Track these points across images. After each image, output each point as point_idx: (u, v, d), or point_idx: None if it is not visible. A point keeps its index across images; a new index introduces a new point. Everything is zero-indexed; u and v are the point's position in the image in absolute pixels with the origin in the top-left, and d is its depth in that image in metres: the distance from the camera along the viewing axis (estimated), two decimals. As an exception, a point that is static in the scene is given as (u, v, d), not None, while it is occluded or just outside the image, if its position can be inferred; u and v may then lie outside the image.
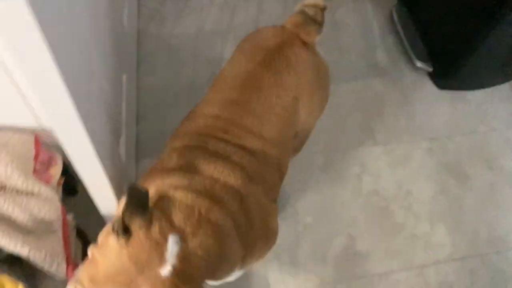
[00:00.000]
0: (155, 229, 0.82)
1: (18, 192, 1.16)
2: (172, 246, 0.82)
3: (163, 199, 0.90)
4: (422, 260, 1.64)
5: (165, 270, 0.80)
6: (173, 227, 0.85)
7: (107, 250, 0.83)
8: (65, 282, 1.09)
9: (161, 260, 0.80)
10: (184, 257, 0.83)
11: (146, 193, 0.83)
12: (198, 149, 1.05)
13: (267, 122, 1.14)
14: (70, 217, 1.24)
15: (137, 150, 1.77)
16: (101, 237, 0.90)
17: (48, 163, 1.26)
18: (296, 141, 1.47)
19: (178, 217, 0.87)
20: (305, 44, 1.24)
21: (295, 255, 1.62)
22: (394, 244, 1.67)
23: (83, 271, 0.85)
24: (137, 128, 1.83)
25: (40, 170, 1.22)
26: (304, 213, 1.70)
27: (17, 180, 1.17)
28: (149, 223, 0.82)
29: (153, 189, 0.95)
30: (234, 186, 1.01)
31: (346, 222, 1.70)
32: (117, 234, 0.81)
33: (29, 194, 1.17)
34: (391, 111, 1.97)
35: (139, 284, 0.79)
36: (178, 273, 0.81)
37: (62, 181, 1.26)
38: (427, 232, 1.69)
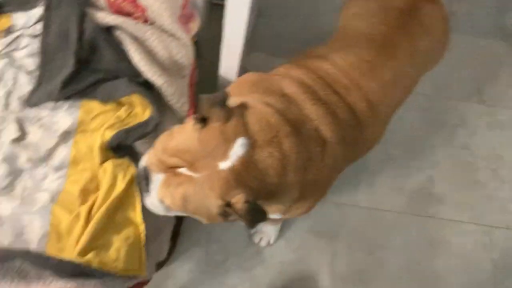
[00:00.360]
0: (229, 127, 0.86)
1: (163, 31, 1.28)
2: (238, 147, 0.85)
3: (251, 109, 0.92)
4: (494, 221, 1.66)
5: (224, 165, 0.83)
6: (246, 132, 0.87)
7: (184, 130, 0.89)
8: (181, 121, 1.21)
9: (225, 154, 0.84)
10: (245, 162, 0.84)
11: (226, 93, 0.88)
12: (310, 89, 1.03)
13: (390, 94, 1.10)
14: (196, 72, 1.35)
15: (252, 42, 1.85)
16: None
17: (189, 17, 1.37)
18: None
19: (255, 127, 0.88)
20: None
21: (374, 178, 1.69)
22: (471, 198, 1.69)
23: (159, 140, 0.92)
24: (257, 22, 1.90)
25: (183, 20, 1.33)
26: (394, 144, 1.75)
27: (165, 20, 1.28)
28: (225, 121, 0.86)
29: (248, 99, 0.97)
30: (324, 135, 0.99)
31: (430, 164, 1.74)
32: (195, 119, 0.87)
33: (172, 36, 1.28)
34: (505, 76, 1.92)
35: (198, 167, 0.84)
36: (234, 173, 0.83)
37: (195, 40, 1.36)
38: (506, 198, 1.70)
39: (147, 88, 1.23)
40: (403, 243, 1.60)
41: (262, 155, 0.87)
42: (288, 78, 1.06)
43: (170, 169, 0.88)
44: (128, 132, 1.13)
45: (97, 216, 1.05)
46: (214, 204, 0.85)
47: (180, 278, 1.48)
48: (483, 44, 1.98)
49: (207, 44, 1.76)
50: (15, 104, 1.23)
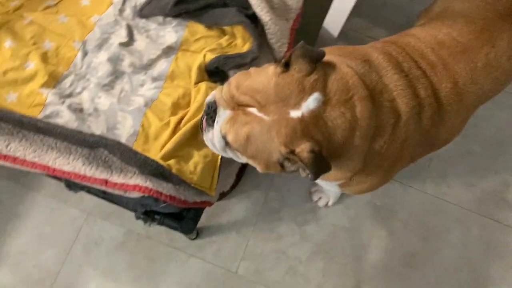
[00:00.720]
0: (308, 80, 0.85)
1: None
2: (312, 100, 0.84)
3: (332, 67, 0.90)
4: None
5: (295, 114, 0.83)
6: (323, 89, 0.86)
7: (263, 71, 0.89)
8: (276, 59, 1.23)
9: (297, 104, 0.83)
10: (315, 116, 0.84)
11: (322, 52, 0.87)
12: (394, 59, 0.99)
13: (478, 82, 1.03)
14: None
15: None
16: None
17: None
18: None
19: (333, 86, 0.87)
20: None
21: (447, 168, 1.64)
22: (545, 214, 1.61)
23: (236, 77, 0.91)
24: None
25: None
26: (477, 140, 1.68)
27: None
28: (307, 73, 0.85)
29: (331, 58, 0.95)
30: (400, 108, 0.95)
31: (509, 169, 1.66)
32: (278, 63, 0.87)
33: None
34: None
35: (268, 110, 0.84)
36: (303, 124, 0.83)
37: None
38: None
39: (252, 22, 1.25)
40: (461, 239, 1.56)
41: (333, 114, 0.86)
42: (373, 48, 1.03)
43: (239, 107, 0.87)
44: (227, 58, 1.17)
45: (184, 128, 1.11)
46: (276, 149, 0.85)
47: (235, 214, 1.54)
48: None
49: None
50: (129, 11, 1.30)
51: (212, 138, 0.95)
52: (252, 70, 0.91)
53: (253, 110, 0.85)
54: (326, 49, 1.00)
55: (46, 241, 1.47)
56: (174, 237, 1.49)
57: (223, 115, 0.89)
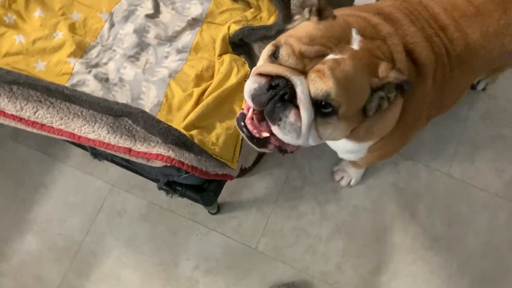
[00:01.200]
0: (341, 21, 0.87)
1: None
2: (355, 34, 0.86)
3: (348, 16, 0.92)
4: None
5: (355, 45, 0.84)
6: (353, 27, 0.88)
7: (304, 25, 0.87)
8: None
9: (349, 40, 0.85)
10: (366, 45, 0.85)
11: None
12: (408, 17, 0.99)
13: (488, 47, 1.02)
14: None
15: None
16: None
17: None
18: None
19: (358, 25, 0.89)
20: None
21: (475, 152, 1.60)
22: None
23: (286, 38, 0.82)
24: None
25: None
26: (505, 123, 1.63)
27: None
28: (334, 17, 0.87)
29: (347, 12, 0.97)
30: (420, 59, 0.95)
31: (542, 155, 1.60)
32: (311, 13, 0.86)
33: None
34: None
35: (339, 49, 0.82)
36: (366, 52, 0.84)
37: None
38: None
39: None
40: (487, 225, 1.52)
41: (373, 45, 0.87)
42: (384, 4, 1.03)
43: (311, 63, 0.79)
44: (252, 30, 1.16)
45: (207, 99, 1.11)
46: (367, 83, 0.82)
47: (256, 191, 1.54)
48: None
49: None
50: (155, -18, 1.30)
51: (291, 122, 0.80)
52: (291, 31, 0.87)
53: (329, 57, 0.80)
54: (341, 9, 1.02)
55: (71, 210, 1.50)
56: (196, 210, 1.50)
57: (303, 80, 0.78)
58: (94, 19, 1.26)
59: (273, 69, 0.80)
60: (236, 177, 1.34)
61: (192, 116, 1.09)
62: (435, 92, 1.02)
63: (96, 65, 1.19)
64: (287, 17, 1.23)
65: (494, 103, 1.66)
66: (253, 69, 0.85)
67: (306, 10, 0.89)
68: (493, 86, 1.67)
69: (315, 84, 0.77)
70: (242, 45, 1.20)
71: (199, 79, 1.18)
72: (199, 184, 1.20)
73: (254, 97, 0.81)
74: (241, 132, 0.87)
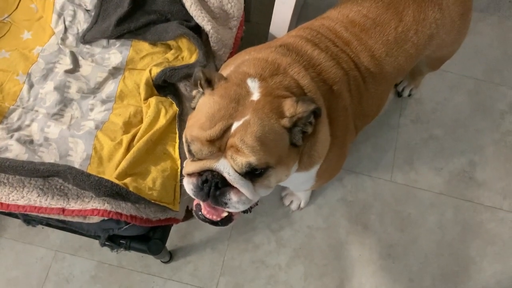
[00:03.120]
0: (233, 77, 0.88)
1: (217, -19, 1.29)
2: (251, 82, 0.86)
3: (243, 63, 0.94)
4: (537, 213, 1.59)
5: (255, 96, 0.84)
6: (249, 75, 0.89)
7: (201, 103, 0.87)
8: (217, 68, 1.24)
9: (248, 92, 0.84)
10: (267, 89, 0.86)
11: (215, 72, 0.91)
12: (310, 41, 1.03)
13: (392, 55, 1.09)
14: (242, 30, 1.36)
15: (301, 12, 1.85)
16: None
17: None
18: (433, 62, 1.43)
19: (255, 70, 0.90)
20: None
21: (413, 156, 1.66)
22: (513, 187, 1.63)
23: (189, 126, 0.86)
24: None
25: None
26: (438, 125, 1.71)
27: (220, -30, 1.28)
28: (224, 79, 0.88)
29: (237, 61, 1.00)
30: (328, 78, 0.98)
31: (473, 147, 1.69)
32: (202, 87, 0.88)
33: (224, -14, 1.29)
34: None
35: (241, 113, 0.81)
36: (267, 95, 0.84)
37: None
38: (553, 191, 1.63)
39: (196, 32, 1.26)
40: (436, 223, 1.57)
41: (275, 82, 0.89)
42: (288, 36, 1.08)
43: (223, 140, 0.80)
44: (174, 70, 1.17)
45: (138, 145, 1.09)
46: (280, 127, 0.82)
47: (208, 230, 1.51)
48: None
49: (257, 8, 1.79)
50: (71, 39, 1.29)
51: (237, 200, 0.84)
52: (192, 114, 0.89)
53: (234, 126, 0.80)
54: (235, 58, 1.06)
55: (15, 285, 1.40)
56: (148, 262, 1.44)
57: (224, 163, 0.81)
58: (11, 82, 1.22)
59: (196, 167, 0.83)
60: (184, 220, 1.31)
61: (123, 164, 1.06)
62: (355, 103, 1.06)
63: (19, 129, 1.15)
64: (207, 53, 1.25)
65: (421, 106, 1.75)
66: (183, 171, 0.88)
67: (198, 85, 0.90)
68: (418, 91, 1.76)
69: (235, 160, 0.79)
70: (166, 86, 1.20)
71: (128, 125, 1.16)
72: (143, 234, 1.16)
73: (195, 195, 0.86)
74: (203, 222, 0.91)
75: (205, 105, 0.84)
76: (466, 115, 1.74)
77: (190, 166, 0.85)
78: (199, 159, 0.83)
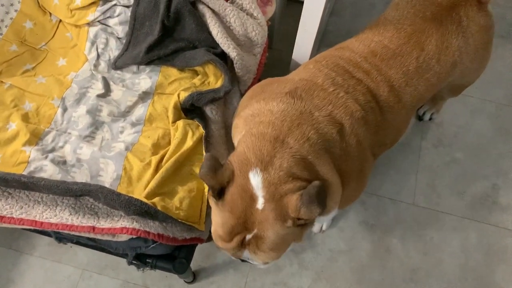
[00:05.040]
0: (237, 173, 0.91)
1: (242, 9, 1.35)
2: (254, 179, 0.89)
3: (244, 139, 0.96)
4: None
5: (259, 204, 0.88)
6: (250, 165, 0.90)
7: (214, 214, 0.95)
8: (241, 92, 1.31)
9: (253, 198, 0.89)
10: (270, 185, 0.88)
11: (213, 156, 0.92)
12: (325, 76, 1.05)
13: (412, 84, 1.09)
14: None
15: (322, 38, 1.90)
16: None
17: (267, 2, 1.43)
18: (455, 89, 1.45)
19: (255, 154, 0.91)
20: (479, 3, 1.13)
21: (435, 179, 1.66)
22: (539, 211, 1.61)
23: (215, 239, 0.97)
24: (329, 20, 1.95)
25: (260, 2, 1.40)
26: (460, 148, 1.71)
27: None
28: (231, 173, 0.91)
29: (245, 127, 1.02)
30: (339, 118, 1.00)
31: (496, 171, 1.68)
32: (213, 199, 0.93)
33: (249, 15, 1.36)
34: None
35: (251, 226, 0.89)
36: (271, 199, 0.88)
37: (269, 24, 1.43)
38: None
39: (222, 59, 1.31)
40: (460, 247, 1.55)
41: (277, 168, 0.90)
42: (302, 70, 1.10)
43: (243, 246, 0.93)
44: (201, 94, 1.21)
45: (166, 165, 1.13)
46: (286, 226, 0.88)
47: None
48: None
49: (279, 36, 1.84)
50: (103, 65, 1.36)
51: (263, 265, 1.02)
52: (213, 218, 0.97)
53: (248, 237, 0.91)
54: (248, 99, 1.11)
55: (42, 303, 1.44)
56: (172, 283, 1.47)
57: (247, 254, 0.94)
58: (47, 106, 1.28)
59: (228, 254, 0.98)
60: (208, 240, 1.33)
61: (152, 184, 1.10)
62: (371, 134, 1.06)
63: (52, 150, 1.21)
64: (232, 79, 1.30)
65: (443, 130, 1.76)
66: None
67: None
68: (439, 115, 1.77)
69: (255, 260, 0.95)
70: (193, 109, 1.24)
71: (156, 147, 1.20)
72: (169, 253, 1.19)
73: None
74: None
75: (219, 218, 0.93)
76: (488, 139, 1.74)
77: (222, 251, 0.98)
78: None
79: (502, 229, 1.58)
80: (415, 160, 1.70)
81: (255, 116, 1.01)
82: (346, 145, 1.01)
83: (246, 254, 0.94)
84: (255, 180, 0.89)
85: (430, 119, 1.75)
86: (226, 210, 0.91)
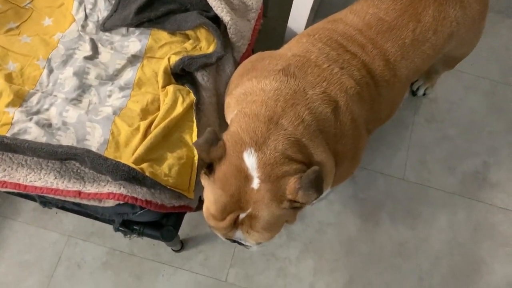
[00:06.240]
0: (230, 153, 0.90)
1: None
2: (248, 159, 0.88)
3: (239, 118, 0.95)
4: (550, 216, 1.58)
5: (255, 184, 0.88)
6: (244, 145, 0.89)
7: (207, 192, 0.94)
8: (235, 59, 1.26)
9: (247, 178, 0.88)
10: (265, 165, 0.88)
11: (214, 132, 0.91)
12: (319, 52, 1.02)
13: (409, 57, 1.07)
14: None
15: (318, 8, 1.85)
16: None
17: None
18: (450, 61, 1.42)
19: (248, 134, 0.90)
20: None
21: (426, 155, 1.65)
22: (528, 189, 1.62)
23: (205, 215, 0.96)
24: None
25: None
26: (452, 125, 1.70)
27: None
28: (223, 151, 0.90)
29: (242, 89, 1.01)
30: (334, 95, 0.98)
31: (487, 148, 1.68)
32: (205, 173, 0.93)
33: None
34: None
35: (245, 204, 0.88)
36: (266, 179, 0.87)
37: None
38: None
39: (214, 23, 1.26)
40: (448, 223, 1.56)
41: (273, 150, 0.89)
42: (295, 44, 1.08)
43: (235, 226, 0.92)
44: (192, 59, 1.17)
45: (155, 131, 1.10)
46: (282, 207, 0.88)
47: (220, 222, 1.51)
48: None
49: (274, 3, 1.79)
50: (91, 26, 1.31)
51: (255, 246, 1.01)
52: (206, 206, 0.95)
53: (241, 215, 0.90)
54: (239, 76, 1.07)
55: (27, 268, 1.42)
56: (159, 251, 1.46)
57: (239, 234, 0.94)
58: (32, 67, 1.23)
59: (219, 235, 0.99)
60: (197, 210, 1.31)
61: (140, 149, 1.07)
62: (366, 110, 1.05)
63: (37, 112, 1.16)
64: (225, 44, 1.26)
65: (436, 106, 1.74)
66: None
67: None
68: (433, 90, 1.75)
69: (247, 238, 0.93)
70: (184, 75, 1.20)
71: (145, 112, 1.17)
72: (157, 220, 1.17)
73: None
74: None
75: (211, 194, 0.92)
76: (481, 116, 1.73)
77: (214, 231, 0.98)
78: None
79: (491, 206, 1.59)
80: (407, 135, 1.69)
81: (247, 95, 0.99)
82: (340, 124, 1.00)
83: (238, 234, 0.93)
84: (250, 160, 0.88)
85: (424, 94, 1.74)
86: (218, 187, 0.90)
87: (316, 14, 1.84)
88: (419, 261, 1.50)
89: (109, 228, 1.42)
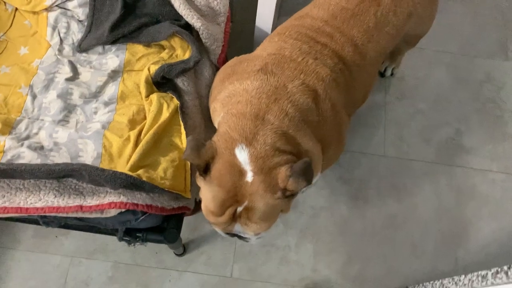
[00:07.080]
0: (222, 151, 0.95)
1: (202, -20, 1.35)
2: (240, 154, 0.94)
3: (225, 119, 1.00)
4: (524, 171, 1.68)
5: (249, 177, 0.93)
6: (235, 141, 0.95)
7: (203, 191, 0.99)
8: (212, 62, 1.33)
9: (241, 173, 0.94)
10: (257, 158, 0.94)
11: (196, 138, 0.96)
12: (292, 47, 1.09)
13: (374, 40, 1.14)
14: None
15: (281, 6, 1.93)
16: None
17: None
18: (412, 39, 1.50)
19: (238, 132, 0.96)
20: None
21: (402, 130, 1.74)
22: (499, 149, 1.72)
23: (203, 210, 1.00)
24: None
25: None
26: (422, 99, 1.80)
27: (204, -30, 1.34)
28: (214, 151, 0.96)
29: (222, 107, 1.06)
30: (313, 85, 1.04)
31: (457, 117, 1.78)
32: (200, 175, 0.98)
33: (211, -15, 1.35)
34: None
35: (242, 198, 0.94)
36: (258, 171, 0.93)
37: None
38: (536, 149, 1.72)
39: (187, 30, 1.32)
40: (432, 191, 1.64)
41: (261, 142, 0.95)
42: (268, 44, 1.14)
43: (234, 219, 0.97)
44: (171, 66, 1.23)
45: (145, 138, 1.14)
46: (276, 197, 0.94)
47: (217, 221, 1.56)
48: (507, 2, 2.01)
49: (238, 8, 1.86)
50: (68, 49, 1.35)
51: (255, 239, 1.07)
52: (202, 196, 1.01)
53: (239, 210, 0.95)
54: (221, 82, 1.14)
55: (34, 295, 1.43)
56: (162, 258, 1.49)
57: (238, 227, 0.99)
58: (15, 95, 1.27)
59: (219, 230, 1.05)
60: (193, 213, 1.36)
61: (134, 157, 1.12)
62: (343, 95, 1.12)
63: (27, 137, 1.20)
64: (200, 49, 1.32)
65: (404, 84, 1.84)
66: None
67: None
68: (400, 70, 1.85)
69: (245, 230, 0.98)
70: (165, 82, 1.26)
71: (133, 123, 1.21)
72: (158, 225, 1.21)
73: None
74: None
75: (208, 192, 0.97)
76: (447, 88, 1.84)
77: (214, 227, 1.04)
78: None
79: (468, 169, 1.69)
80: (382, 115, 1.77)
81: (231, 97, 1.05)
82: (322, 111, 1.06)
83: (237, 227, 0.99)
84: (242, 155, 0.94)
85: (392, 74, 1.83)
86: (215, 184, 0.95)
87: (280, 13, 1.92)
88: (410, 230, 1.58)
89: (111, 243, 1.46)
